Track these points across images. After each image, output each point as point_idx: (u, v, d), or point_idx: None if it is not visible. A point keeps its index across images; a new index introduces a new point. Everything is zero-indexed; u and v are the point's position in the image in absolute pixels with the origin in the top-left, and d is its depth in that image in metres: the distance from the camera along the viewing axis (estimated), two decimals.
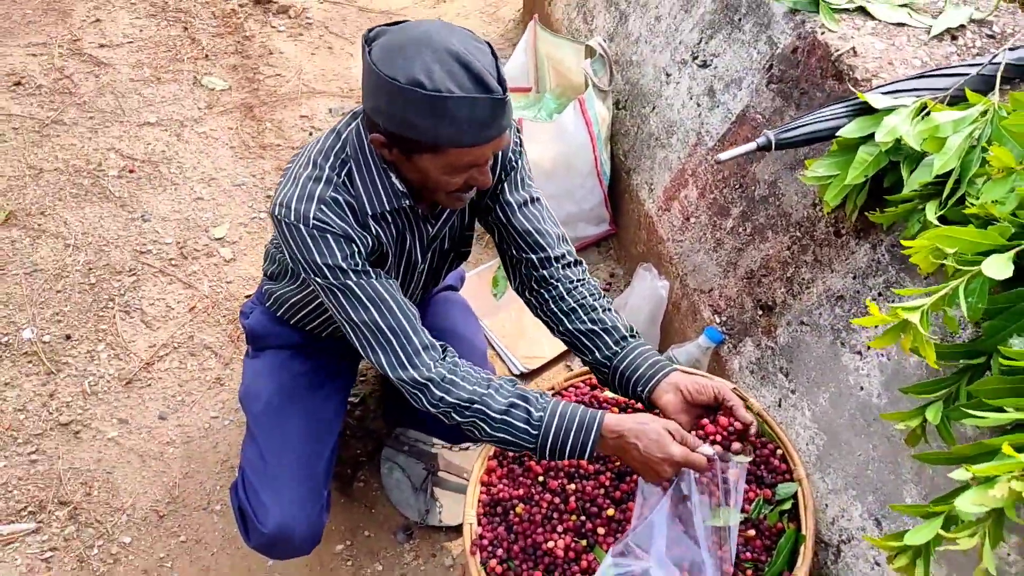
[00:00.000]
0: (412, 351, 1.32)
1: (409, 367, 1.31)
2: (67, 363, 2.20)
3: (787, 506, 1.47)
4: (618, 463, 1.54)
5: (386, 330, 1.32)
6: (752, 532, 1.43)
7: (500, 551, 1.48)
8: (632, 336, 1.47)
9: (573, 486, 1.51)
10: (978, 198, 1.25)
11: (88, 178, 2.73)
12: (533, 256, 1.51)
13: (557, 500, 1.50)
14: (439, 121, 1.17)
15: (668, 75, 2.13)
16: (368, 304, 1.32)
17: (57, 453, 2.01)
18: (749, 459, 1.42)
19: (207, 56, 3.33)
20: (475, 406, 1.30)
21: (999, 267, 1.08)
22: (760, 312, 1.74)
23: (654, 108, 2.17)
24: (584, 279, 1.51)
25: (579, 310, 1.47)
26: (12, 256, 2.46)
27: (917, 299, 1.11)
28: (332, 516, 1.89)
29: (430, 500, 1.89)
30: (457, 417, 1.32)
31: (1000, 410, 1.03)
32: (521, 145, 1.51)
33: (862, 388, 1.47)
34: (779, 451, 1.54)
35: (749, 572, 1.40)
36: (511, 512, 1.52)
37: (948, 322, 1.13)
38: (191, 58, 3.31)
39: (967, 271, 1.12)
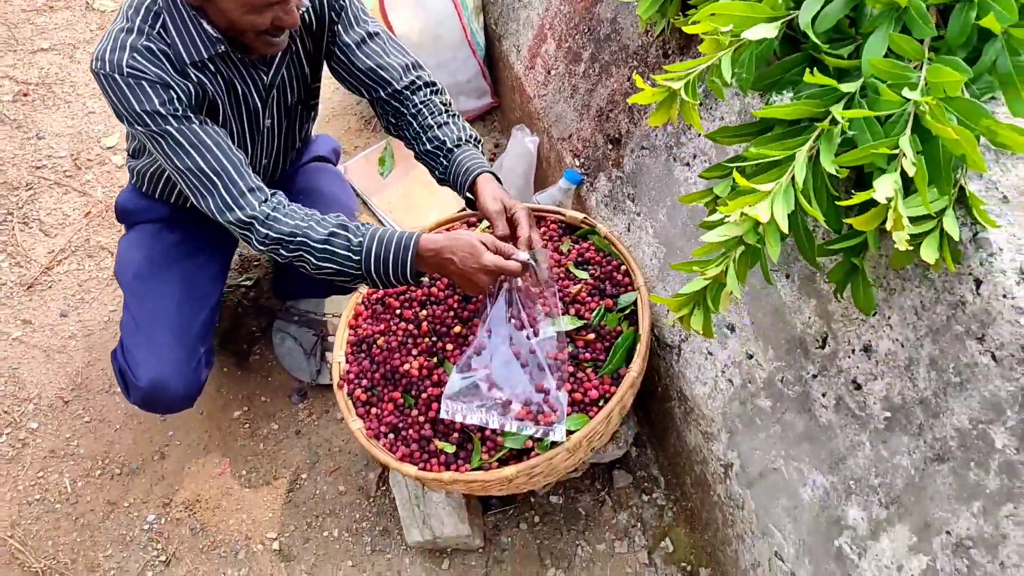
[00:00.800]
0: (237, 192, 1.37)
1: (236, 208, 1.37)
2: None
3: (627, 312, 1.56)
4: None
5: (210, 173, 1.36)
6: (592, 336, 1.52)
7: (364, 381, 1.57)
8: (458, 146, 1.54)
9: (425, 312, 1.59)
10: None
11: None
12: (382, 92, 1.58)
13: (411, 327, 1.58)
14: None
15: None
16: (190, 149, 1.36)
17: None
18: (548, 252, 1.49)
19: None
20: (298, 239, 1.36)
21: (761, 32, 1.14)
22: (610, 147, 1.80)
23: None
24: (428, 99, 1.58)
25: (422, 132, 1.56)
26: None
27: (686, 72, 1.18)
28: (229, 387, 1.98)
29: (321, 362, 1.98)
30: (284, 252, 1.37)
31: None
32: None
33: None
34: (623, 267, 1.62)
35: (589, 371, 1.49)
36: (374, 346, 1.60)
37: (715, 89, 1.19)
38: None
39: (737, 42, 1.18)
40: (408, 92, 1.58)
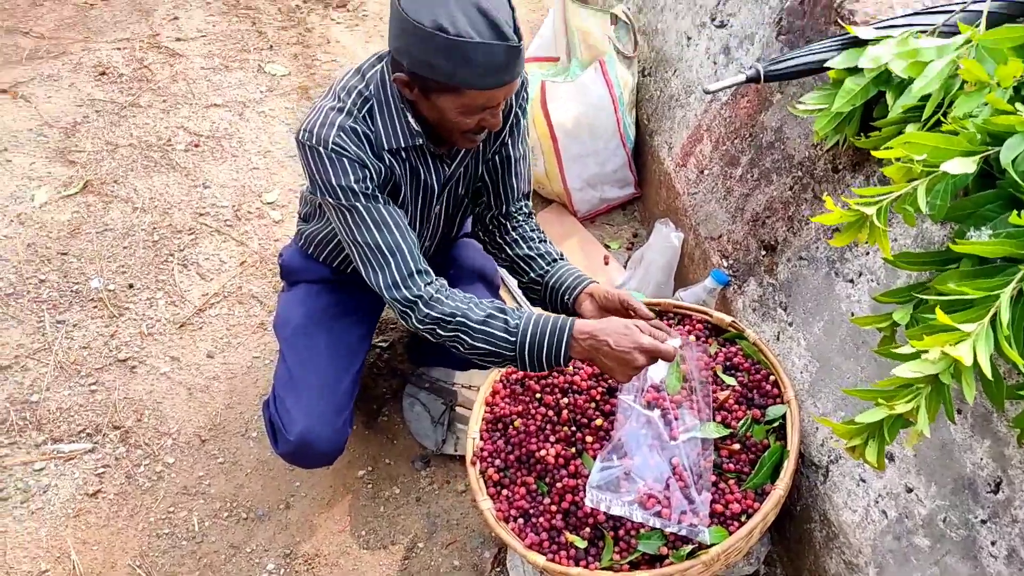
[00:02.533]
0: (407, 272, 1.45)
1: (403, 287, 1.44)
2: (128, 308, 2.40)
3: (775, 425, 1.52)
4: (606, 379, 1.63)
5: (385, 250, 1.44)
6: (737, 447, 1.48)
7: (498, 461, 1.58)
8: (560, 259, 1.66)
9: (566, 400, 1.59)
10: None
11: (158, 152, 2.98)
12: (501, 204, 1.71)
13: (551, 413, 1.59)
14: (459, 64, 1.29)
15: (689, 38, 2.21)
16: (371, 225, 1.44)
17: (114, 385, 2.21)
18: (698, 348, 1.51)
19: (271, 47, 3.57)
20: (457, 319, 1.41)
21: (959, 166, 1.13)
22: (763, 252, 1.79)
23: (675, 71, 2.25)
24: (528, 221, 1.72)
25: (519, 240, 1.68)
26: (87, 218, 2.70)
27: (878, 196, 1.17)
28: (355, 446, 2.02)
29: (447, 432, 2.00)
30: (441, 332, 1.43)
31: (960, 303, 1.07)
32: (527, 100, 1.64)
33: (852, 313, 1.51)
34: (772, 377, 1.59)
35: (732, 482, 1.45)
36: (510, 427, 1.61)
37: (907, 217, 1.17)
38: (257, 49, 3.56)
39: (930, 171, 1.16)
40: (516, 214, 1.73)
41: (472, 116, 1.41)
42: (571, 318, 1.42)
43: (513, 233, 1.71)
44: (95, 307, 2.41)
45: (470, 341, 1.43)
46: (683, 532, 1.36)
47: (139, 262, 2.54)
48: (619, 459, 1.44)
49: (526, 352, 1.41)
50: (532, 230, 1.72)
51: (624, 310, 1.51)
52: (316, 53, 3.50)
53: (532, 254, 1.67)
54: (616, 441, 1.45)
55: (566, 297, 1.58)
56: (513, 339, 1.41)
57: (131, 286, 2.47)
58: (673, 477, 1.42)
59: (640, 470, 1.42)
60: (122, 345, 2.30)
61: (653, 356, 1.35)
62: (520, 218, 1.73)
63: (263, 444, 2.05)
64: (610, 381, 1.61)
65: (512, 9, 1.34)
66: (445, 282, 1.50)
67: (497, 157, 1.66)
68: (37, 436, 2.08)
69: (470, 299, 1.46)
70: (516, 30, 1.32)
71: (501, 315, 1.43)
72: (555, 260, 1.66)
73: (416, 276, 1.45)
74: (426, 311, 1.43)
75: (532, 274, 1.66)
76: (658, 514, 1.38)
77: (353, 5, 3.78)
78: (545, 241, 1.71)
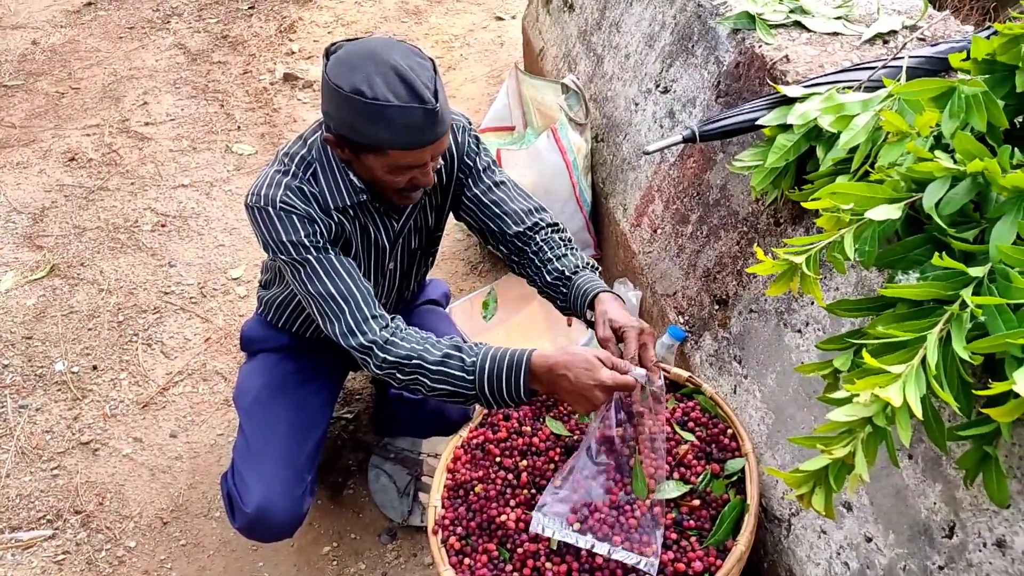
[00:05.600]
0: (361, 319, 1.45)
1: (359, 333, 1.44)
2: (92, 390, 2.38)
3: (734, 479, 1.52)
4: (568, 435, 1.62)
5: (339, 298, 1.45)
6: (697, 502, 1.48)
7: (460, 528, 1.55)
8: (576, 272, 1.60)
9: (525, 462, 1.58)
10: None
11: (124, 233, 3.00)
12: (506, 235, 1.67)
13: (511, 476, 1.57)
14: (378, 126, 1.34)
15: (636, 104, 2.29)
16: (323, 276, 1.46)
17: (76, 469, 2.17)
18: (662, 382, 1.47)
19: (239, 128, 3.64)
20: (413, 361, 1.41)
21: (885, 212, 1.17)
22: (716, 307, 1.82)
23: (626, 136, 2.32)
24: (548, 237, 1.66)
25: (542, 267, 1.63)
26: (52, 302, 2.70)
27: (807, 246, 1.20)
28: (320, 520, 1.99)
29: (413, 503, 1.97)
30: (400, 376, 1.43)
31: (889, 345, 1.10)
32: (478, 145, 1.67)
33: (801, 363, 1.52)
34: (729, 431, 1.59)
35: (693, 539, 1.44)
36: (471, 493, 1.60)
37: (837, 265, 1.20)
38: (224, 130, 3.63)
39: (858, 219, 1.20)
40: (531, 233, 1.67)
41: (401, 175, 1.44)
42: (529, 350, 1.41)
43: (535, 260, 1.66)
44: (59, 390, 2.39)
45: (429, 383, 1.42)
46: (632, 563, 1.34)
47: (104, 343, 2.53)
48: (569, 489, 1.44)
49: (486, 389, 1.40)
50: (550, 249, 1.64)
51: (616, 336, 1.48)
52: (283, 132, 3.57)
53: (550, 280, 1.62)
54: (569, 469, 1.45)
55: (583, 312, 1.57)
56: (471, 378, 1.40)
57: (95, 367, 2.45)
58: (623, 515, 1.42)
59: (592, 495, 1.43)
60: (85, 427, 2.27)
61: (613, 391, 1.35)
62: (538, 239, 1.66)
63: (225, 524, 2.00)
64: (574, 434, 1.61)
65: (435, 73, 1.39)
66: (402, 321, 1.50)
67: (464, 200, 1.68)
68: None
69: (427, 338, 1.45)
70: (436, 93, 1.36)
71: (457, 353, 1.42)
72: (568, 278, 1.60)
73: (371, 321, 1.45)
74: (382, 355, 1.43)
75: (559, 301, 1.63)
76: (607, 538, 1.36)
77: (319, 86, 3.88)
78: (565, 256, 1.63)
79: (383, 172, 1.43)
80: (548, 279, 1.62)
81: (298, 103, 3.78)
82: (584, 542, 1.38)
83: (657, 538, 1.37)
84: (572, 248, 1.67)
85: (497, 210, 1.66)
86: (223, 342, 2.51)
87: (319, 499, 2.04)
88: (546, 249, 1.65)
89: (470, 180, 1.66)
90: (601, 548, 1.37)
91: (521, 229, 1.66)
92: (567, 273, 1.61)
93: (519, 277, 1.74)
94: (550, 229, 1.68)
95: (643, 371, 1.40)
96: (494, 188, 1.67)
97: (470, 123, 1.69)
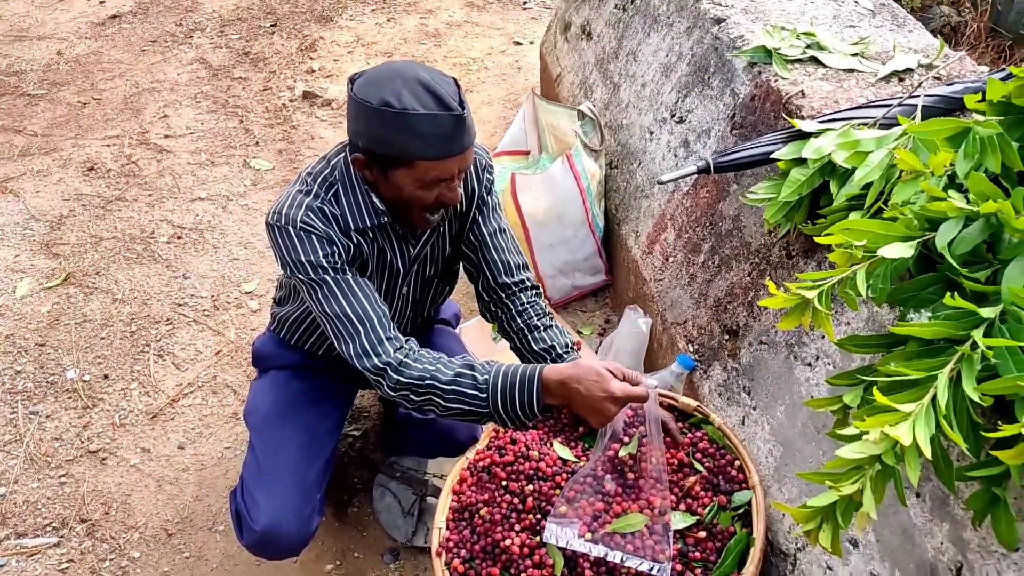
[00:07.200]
0: (376, 340, 1.47)
1: (372, 355, 1.46)
2: (102, 399, 2.40)
3: (741, 512, 1.51)
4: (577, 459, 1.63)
5: (355, 319, 1.47)
6: (703, 534, 1.47)
7: (464, 552, 1.55)
8: (567, 352, 1.67)
9: (531, 487, 1.58)
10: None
11: (140, 244, 3.03)
12: (494, 280, 1.73)
13: (516, 501, 1.57)
14: (407, 136, 1.37)
15: (651, 133, 2.31)
16: (340, 296, 1.48)
17: (84, 477, 2.18)
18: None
19: (257, 143, 3.69)
20: (427, 382, 1.43)
21: (897, 250, 1.17)
22: (726, 337, 1.82)
23: (640, 163, 2.34)
24: (533, 301, 1.73)
25: (528, 331, 1.70)
26: (66, 309, 2.73)
27: (820, 281, 1.21)
28: (325, 538, 1.99)
29: (418, 523, 1.97)
30: (414, 397, 1.44)
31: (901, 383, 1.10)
32: (492, 185, 1.71)
33: (811, 396, 1.53)
34: (737, 462, 1.59)
35: (699, 571, 1.43)
36: (476, 516, 1.60)
37: (849, 301, 1.21)
38: (243, 145, 3.67)
39: (870, 256, 1.21)
40: (515, 289, 1.74)
41: (429, 190, 1.46)
42: (539, 365, 1.43)
43: (518, 319, 1.71)
44: (69, 398, 2.41)
45: (443, 403, 1.44)
46: (644, 568, 1.34)
47: (115, 352, 2.55)
48: (584, 499, 1.46)
49: (499, 406, 1.42)
50: (536, 315, 1.71)
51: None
52: (300, 148, 3.61)
53: (537, 349, 1.68)
54: (577, 483, 1.46)
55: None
56: (484, 395, 1.42)
57: (106, 376, 2.47)
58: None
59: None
60: (94, 436, 2.29)
61: (625, 402, 1.37)
62: (524, 299, 1.73)
63: (230, 538, 2.01)
64: (580, 460, 1.61)
65: (458, 87, 1.43)
66: (415, 343, 1.52)
67: (471, 235, 1.71)
68: (0, 531, 2.04)
69: (439, 359, 1.47)
70: (461, 102, 1.39)
71: (469, 372, 1.44)
72: (559, 355, 1.66)
73: (386, 343, 1.47)
74: (396, 377, 1.44)
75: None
76: (619, 547, 1.38)
77: (336, 104, 3.93)
78: (551, 328, 1.70)
79: (412, 187, 1.45)
80: (534, 347, 1.68)
81: (317, 120, 3.82)
82: (597, 551, 1.39)
83: (670, 542, 1.38)
84: (554, 321, 1.75)
85: (495, 255, 1.72)
86: (234, 355, 2.53)
87: (325, 516, 2.04)
88: (532, 314, 1.71)
89: (481, 218, 1.71)
90: (614, 556, 1.38)
91: (509, 281, 1.72)
92: (558, 350, 1.68)
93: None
94: (533, 292, 1.76)
95: (654, 382, 1.42)
96: (498, 234, 1.73)
97: (490, 160, 1.73)
